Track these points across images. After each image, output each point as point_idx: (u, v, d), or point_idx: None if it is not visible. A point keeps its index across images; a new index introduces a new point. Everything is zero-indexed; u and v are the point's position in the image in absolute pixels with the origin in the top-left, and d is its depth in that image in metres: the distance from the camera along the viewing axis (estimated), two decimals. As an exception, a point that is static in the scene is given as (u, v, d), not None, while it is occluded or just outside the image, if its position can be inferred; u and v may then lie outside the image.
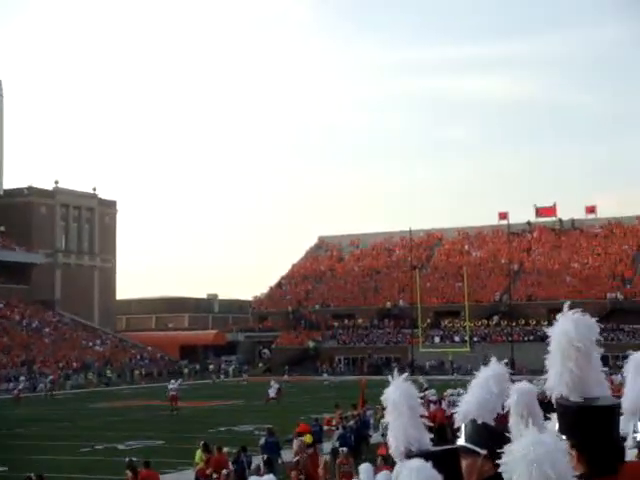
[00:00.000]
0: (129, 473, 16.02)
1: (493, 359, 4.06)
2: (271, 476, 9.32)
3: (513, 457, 2.39)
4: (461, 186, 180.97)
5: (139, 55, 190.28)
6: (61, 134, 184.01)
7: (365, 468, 10.74)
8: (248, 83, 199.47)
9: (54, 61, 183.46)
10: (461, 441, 3.66)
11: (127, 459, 16.53)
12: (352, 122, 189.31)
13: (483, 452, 3.62)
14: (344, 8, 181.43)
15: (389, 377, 3.81)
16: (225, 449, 19.28)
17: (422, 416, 3.69)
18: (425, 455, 3.29)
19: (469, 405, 3.78)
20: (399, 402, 3.63)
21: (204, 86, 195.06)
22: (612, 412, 2.94)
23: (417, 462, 2.95)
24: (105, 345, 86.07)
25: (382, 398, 3.72)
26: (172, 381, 43.30)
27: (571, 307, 3.03)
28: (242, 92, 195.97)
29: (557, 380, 2.95)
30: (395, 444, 3.58)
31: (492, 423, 3.77)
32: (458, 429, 3.78)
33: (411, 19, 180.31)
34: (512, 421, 4.22)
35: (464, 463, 3.64)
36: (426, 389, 33.25)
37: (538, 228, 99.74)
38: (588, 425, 2.84)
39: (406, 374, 3.80)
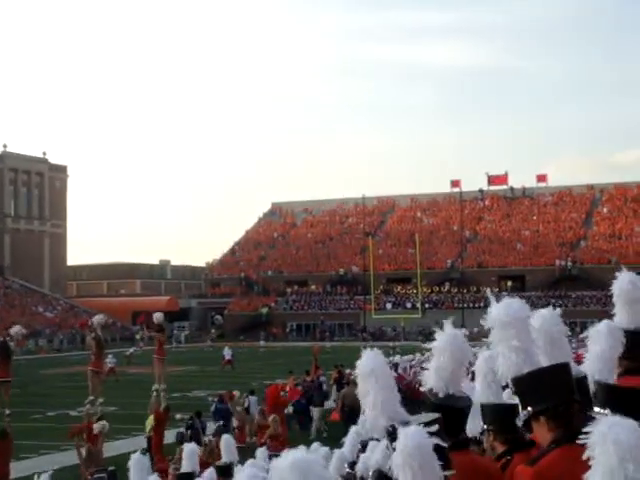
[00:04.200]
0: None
1: (447, 322, 3.89)
2: (193, 445, 9.29)
3: (596, 438, 2.28)
4: (414, 154, 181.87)
5: (88, 15, 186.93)
6: (10, 97, 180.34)
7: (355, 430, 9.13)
8: (196, 50, 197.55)
9: (1, 22, 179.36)
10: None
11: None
12: (306, 88, 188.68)
13: None
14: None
15: (362, 348, 3.57)
16: (178, 415, 19.34)
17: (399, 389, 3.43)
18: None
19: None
20: (378, 374, 3.34)
21: (151, 47, 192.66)
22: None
23: (414, 428, 2.79)
24: (56, 311, 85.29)
25: (357, 370, 3.40)
26: (110, 356, 43.05)
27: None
28: (191, 57, 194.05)
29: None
30: (374, 418, 3.32)
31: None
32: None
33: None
34: (478, 385, 4.35)
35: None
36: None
37: (490, 196, 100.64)
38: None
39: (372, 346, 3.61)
